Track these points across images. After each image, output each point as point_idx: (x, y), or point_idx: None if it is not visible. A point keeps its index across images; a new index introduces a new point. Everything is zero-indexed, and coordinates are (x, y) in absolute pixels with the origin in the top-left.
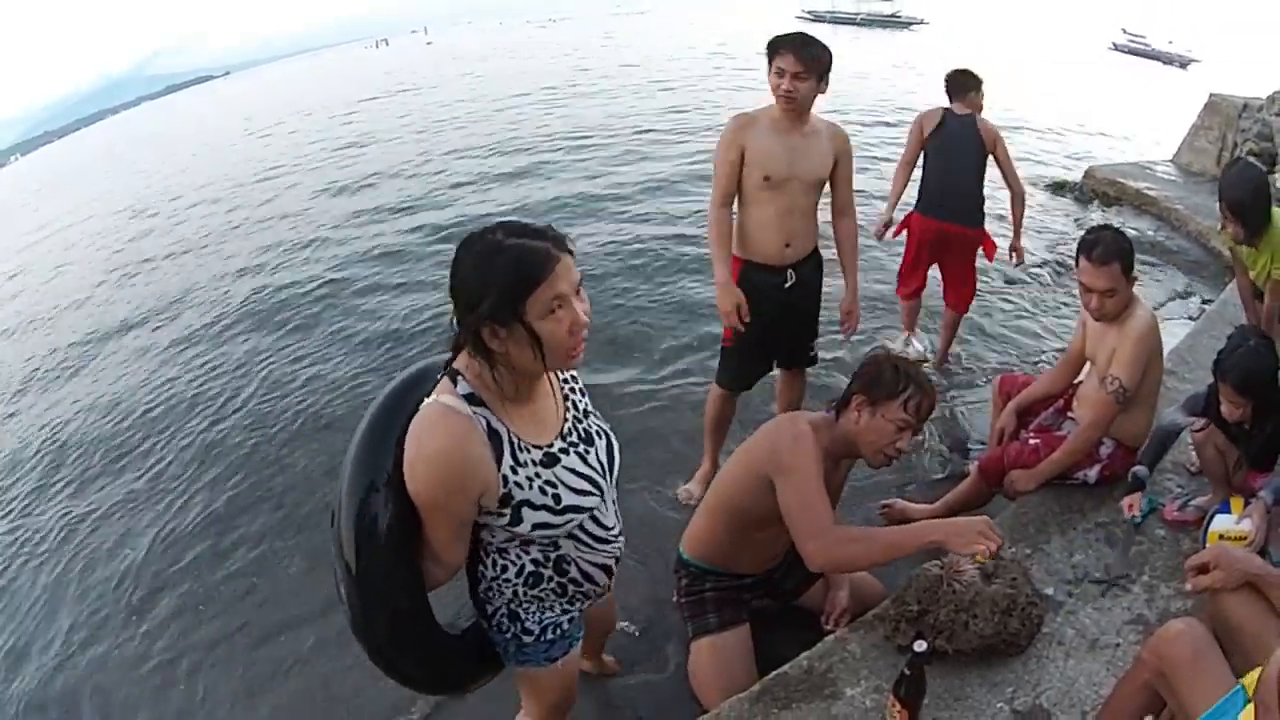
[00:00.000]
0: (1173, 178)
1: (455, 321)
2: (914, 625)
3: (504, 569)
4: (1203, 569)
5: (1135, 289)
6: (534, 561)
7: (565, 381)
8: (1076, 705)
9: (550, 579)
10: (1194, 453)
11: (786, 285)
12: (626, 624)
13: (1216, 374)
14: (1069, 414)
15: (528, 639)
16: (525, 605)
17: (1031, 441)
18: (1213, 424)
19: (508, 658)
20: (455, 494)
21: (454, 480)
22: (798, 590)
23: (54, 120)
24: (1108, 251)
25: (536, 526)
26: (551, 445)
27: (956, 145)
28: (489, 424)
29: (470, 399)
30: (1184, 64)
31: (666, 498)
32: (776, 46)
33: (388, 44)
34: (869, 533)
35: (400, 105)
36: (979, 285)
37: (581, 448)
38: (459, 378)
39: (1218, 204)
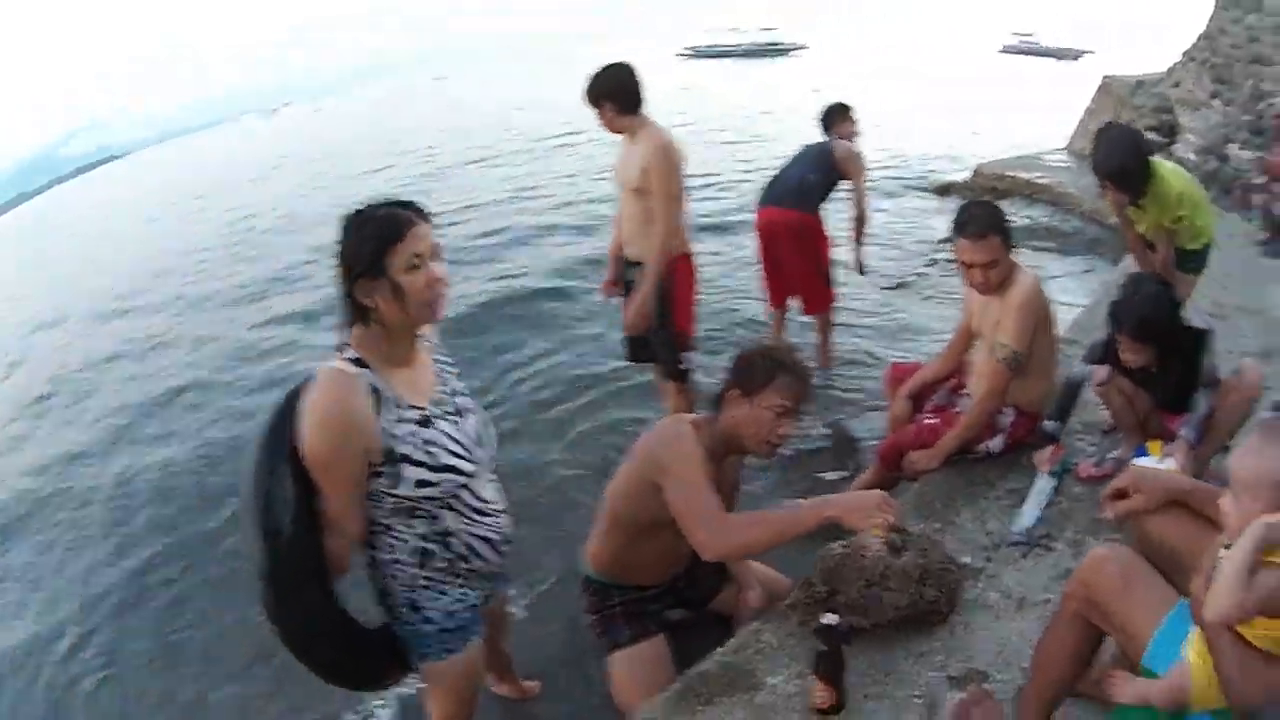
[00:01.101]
0: (1065, 164)
1: (340, 285)
2: (825, 607)
3: (394, 548)
4: (1121, 494)
5: (1035, 271)
6: (420, 536)
7: (439, 360)
8: (1014, 662)
9: (438, 554)
10: (1104, 412)
11: (629, 279)
12: (547, 646)
13: (1113, 323)
14: (963, 392)
15: (428, 628)
16: (422, 590)
17: (928, 421)
18: (1116, 371)
19: (412, 654)
20: (344, 447)
21: (342, 431)
22: (707, 598)
23: None
24: (981, 225)
25: (418, 484)
26: (426, 409)
27: (800, 154)
28: (371, 383)
29: (355, 362)
30: (1076, 56)
31: (577, 518)
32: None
33: (276, 111)
34: (761, 515)
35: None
36: (850, 288)
37: (455, 418)
38: (345, 347)
39: (1095, 174)
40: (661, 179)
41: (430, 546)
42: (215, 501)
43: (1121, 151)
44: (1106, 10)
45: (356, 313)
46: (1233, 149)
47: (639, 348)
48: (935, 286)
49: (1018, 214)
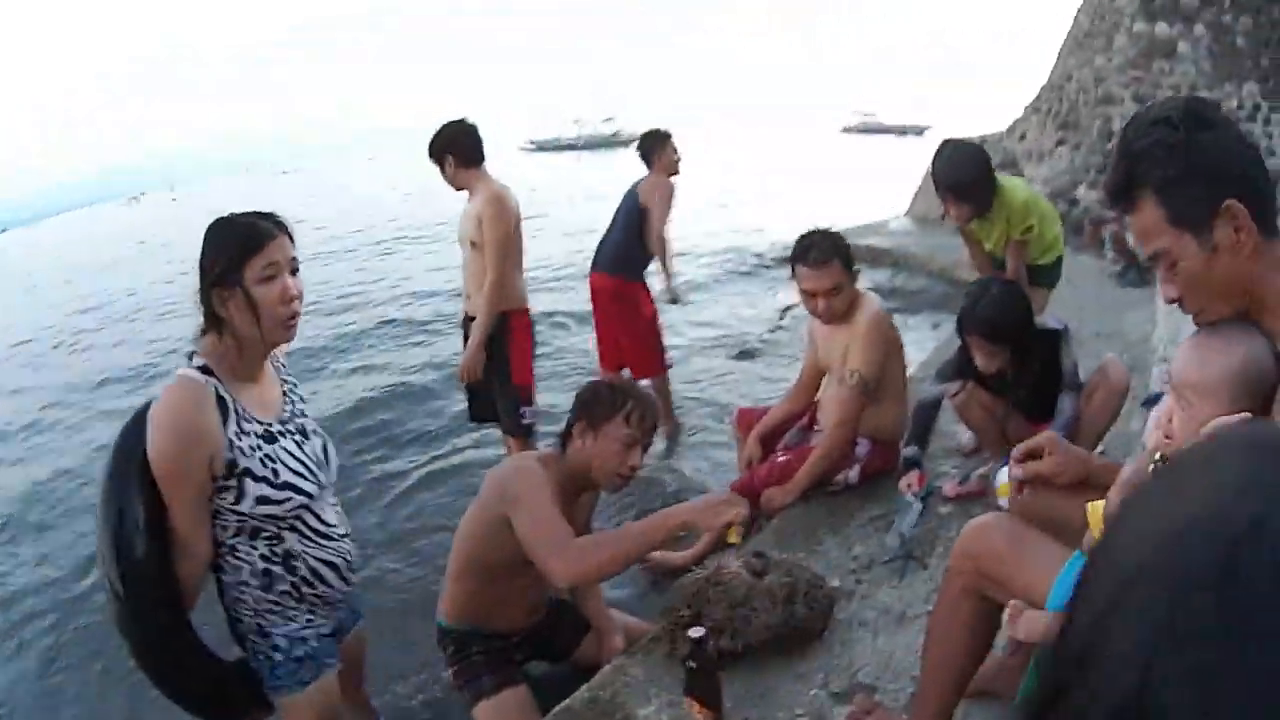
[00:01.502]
0: (907, 229)
1: (197, 292)
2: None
3: (239, 570)
4: (1034, 454)
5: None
6: (264, 558)
7: (286, 381)
8: (902, 673)
9: (283, 578)
10: (962, 433)
11: (467, 334)
12: (411, 702)
13: (963, 329)
14: (816, 428)
15: (278, 656)
16: (268, 616)
17: (781, 458)
18: (972, 382)
19: (266, 687)
20: (190, 452)
21: (187, 436)
22: (569, 647)
23: None
24: (823, 251)
25: (259, 501)
26: (271, 425)
27: (618, 207)
28: (218, 391)
29: (202, 370)
30: (919, 132)
31: (433, 570)
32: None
33: (138, 199)
34: (611, 533)
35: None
36: (696, 356)
37: (298, 437)
38: (194, 355)
39: (936, 191)
40: (491, 227)
41: (274, 569)
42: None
43: (961, 163)
44: (946, 87)
45: (211, 322)
46: (1081, 190)
47: (481, 406)
48: (781, 350)
49: (864, 278)
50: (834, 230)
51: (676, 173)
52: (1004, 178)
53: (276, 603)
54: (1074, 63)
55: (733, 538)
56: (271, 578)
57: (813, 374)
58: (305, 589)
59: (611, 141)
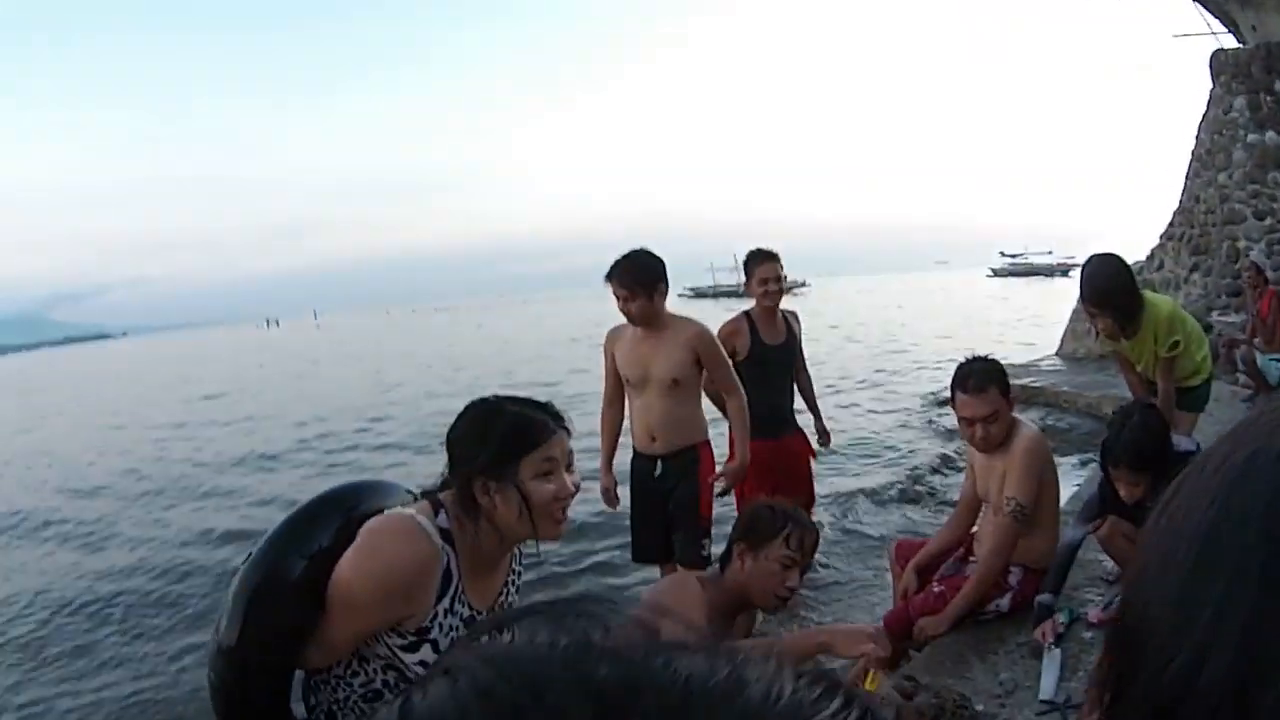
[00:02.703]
0: (1057, 368)
1: (448, 471)
2: None
3: (353, 674)
4: None
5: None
6: (384, 683)
7: (514, 570)
8: None
9: (386, 703)
10: (1107, 560)
11: (656, 474)
12: None
13: (1107, 461)
14: (971, 559)
15: None
16: (346, 713)
17: (936, 589)
18: (1113, 515)
19: None
20: (385, 605)
21: (394, 593)
22: None
23: None
24: (981, 379)
25: (422, 664)
26: (480, 612)
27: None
28: (449, 564)
29: (444, 534)
30: (1065, 271)
31: None
32: (608, 277)
33: (279, 324)
34: (753, 644)
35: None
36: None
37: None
38: (440, 510)
39: (1083, 307)
40: (717, 352)
41: (386, 694)
42: None
43: (1101, 274)
44: (1090, 219)
45: (465, 504)
46: (1215, 317)
47: (651, 544)
48: (937, 495)
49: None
50: (991, 358)
51: (765, 299)
52: (1151, 295)
53: (363, 711)
54: (1199, 183)
55: (870, 684)
56: (377, 699)
57: (971, 503)
58: None
59: None
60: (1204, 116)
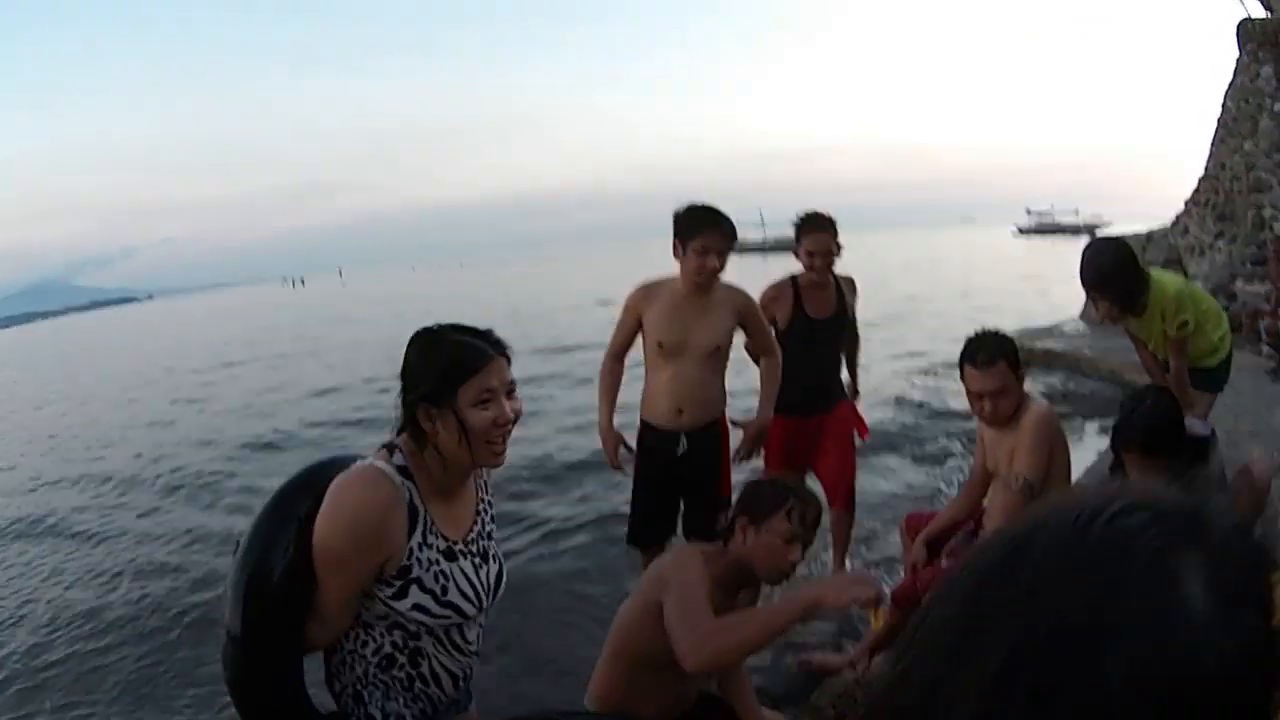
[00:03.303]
0: (1080, 331)
1: (400, 402)
2: None
3: (363, 644)
4: None
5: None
6: (393, 644)
7: (483, 500)
8: None
9: (402, 666)
10: None
11: (679, 452)
12: None
13: (1120, 444)
14: (980, 532)
15: None
16: (370, 689)
17: (945, 564)
18: None
19: None
20: (363, 552)
21: (366, 537)
22: None
23: None
24: (990, 352)
25: (416, 608)
26: (455, 544)
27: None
28: (412, 498)
29: (402, 471)
30: (1092, 231)
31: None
32: (697, 227)
33: (304, 283)
34: (740, 614)
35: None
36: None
37: (477, 560)
38: (396, 451)
39: (1083, 289)
40: (762, 320)
41: (399, 658)
42: None
43: (1099, 258)
44: (1123, 180)
45: (414, 434)
46: (1239, 285)
47: (657, 525)
48: (953, 458)
49: (1037, 381)
50: (1001, 331)
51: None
52: (1157, 272)
53: (384, 682)
54: (1225, 150)
55: (876, 622)
56: (392, 664)
57: (981, 477)
58: (419, 685)
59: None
60: (1230, 84)
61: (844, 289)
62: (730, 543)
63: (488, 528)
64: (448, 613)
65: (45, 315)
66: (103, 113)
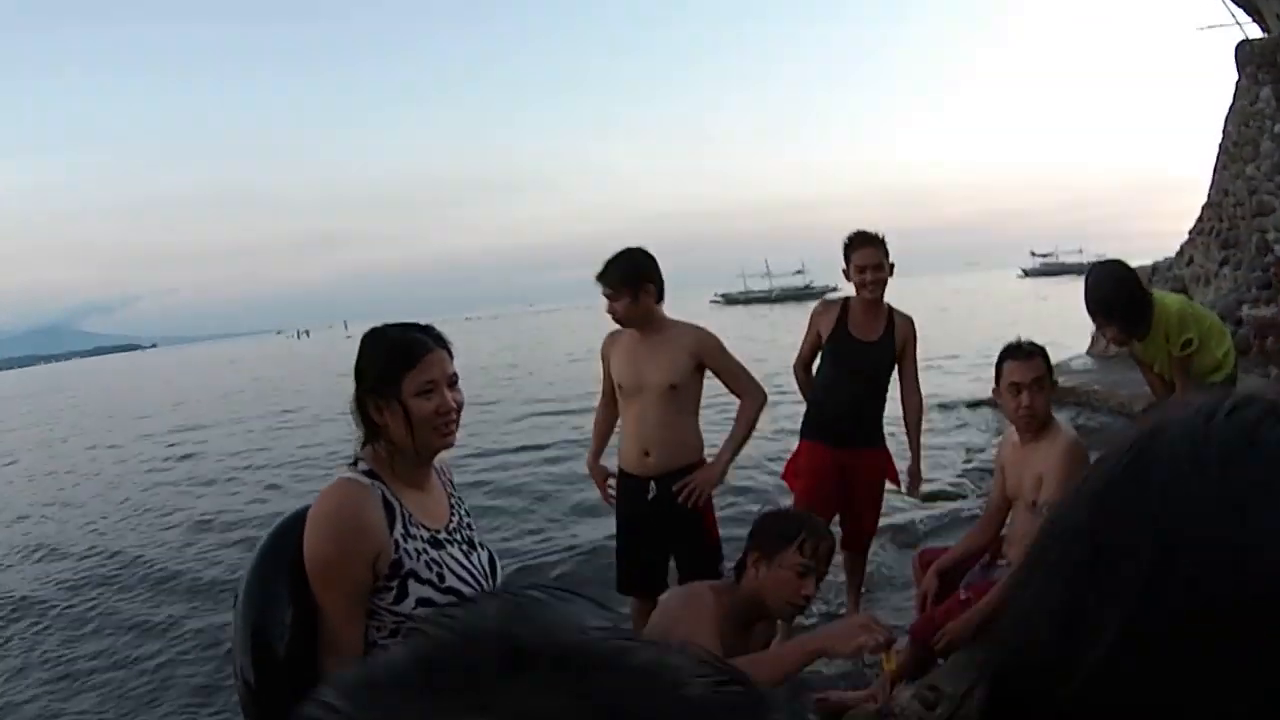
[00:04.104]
0: (1088, 367)
1: (353, 399)
2: None
3: None
4: None
5: None
6: None
7: (454, 495)
8: None
9: None
10: None
11: (650, 497)
12: None
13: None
14: (999, 562)
15: None
16: None
17: (962, 596)
18: None
19: None
20: (349, 554)
21: (349, 537)
22: None
23: None
24: (1031, 347)
25: (421, 603)
26: (439, 532)
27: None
28: (384, 495)
29: (368, 474)
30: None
31: None
32: (597, 277)
33: (309, 334)
34: (746, 660)
35: None
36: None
37: (465, 547)
38: (359, 461)
39: (1089, 315)
40: (724, 353)
41: None
42: None
43: (1103, 282)
44: (1124, 219)
45: (368, 428)
46: (1245, 310)
47: (643, 572)
48: (966, 499)
49: None
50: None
51: (864, 289)
52: (1159, 293)
53: None
54: (1227, 176)
55: (889, 664)
56: None
57: (1000, 507)
58: None
59: (802, 293)
60: (1230, 108)
61: (898, 321)
62: (742, 577)
63: (466, 519)
64: (453, 600)
65: (49, 359)
66: (110, 161)
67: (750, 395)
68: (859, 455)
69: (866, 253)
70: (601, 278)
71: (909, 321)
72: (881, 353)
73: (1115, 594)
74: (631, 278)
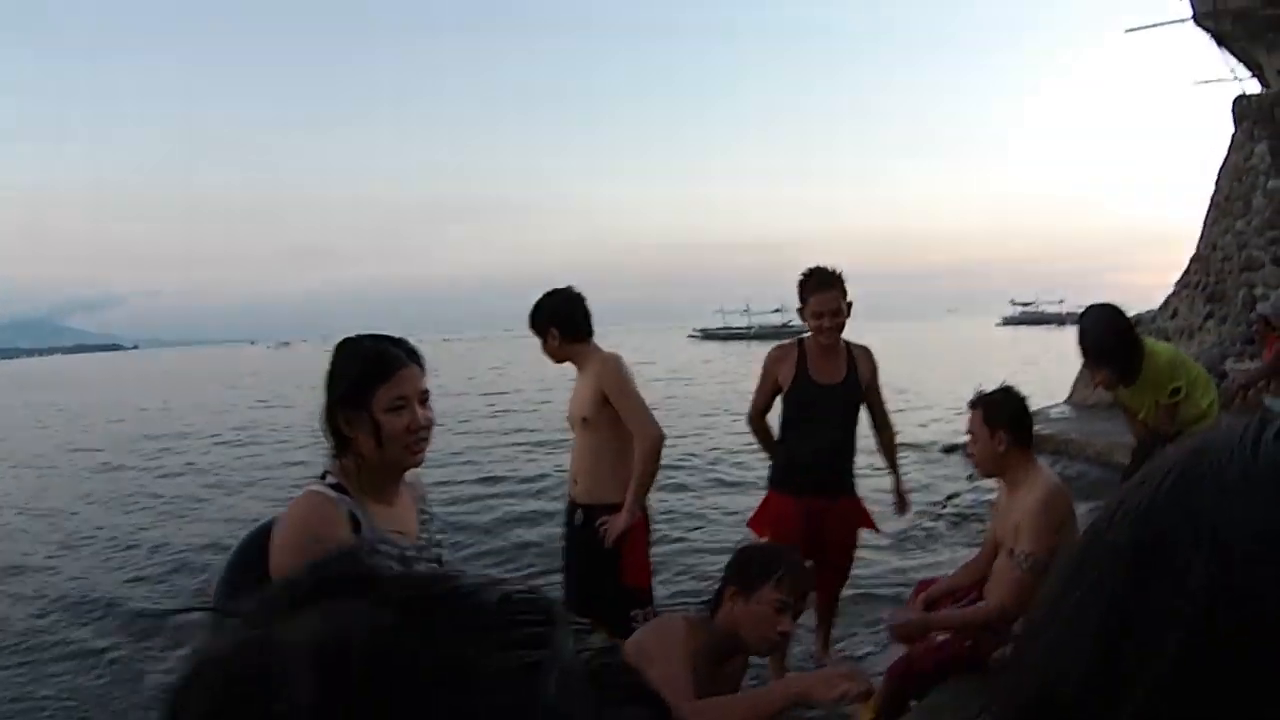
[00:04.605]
0: (1066, 415)
1: (322, 409)
2: None
3: None
4: None
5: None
6: None
7: (425, 512)
8: None
9: None
10: None
11: (576, 523)
12: None
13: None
14: (980, 603)
15: None
16: None
17: (939, 639)
18: None
19: None
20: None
21: (314, 551)
22: None
23: None
24: (974, 400)
25: None
26: (407, 550)
27: None
28: (350, 511)
29: (336, 488)
30: (1078, 319)
31: None
32: None
33: (287, 345)
34: (724, 700)
35: None
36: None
37: (435, 566)
38: (326, 475)
39: (1082, 357)
40: (622, 389)
41: None
42: None
43: (1101, 327)
44: (1107, 271)
45: (337, 441)
46: (1229, 364)
47: (577, 601)
48: (941, 539)
49: None
50: (1010, 392)
51: (821, 335)
52: (1150, 341)
53: None
54: (1217, 230)
55: (867, 715)
56: None
57: (992, 547)
58: None
59: (781, 331)
60: (1224, 163)
61: (857, 357)
62: (718, 611)
63: (436, 537)
64: None
65: (30, 353)
66: (99, 157)
67: (641, 432)
68: (830, 503)
69: (826, 297)
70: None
71: (867, 353)
72: (848, 393)
73: (1172, 613)
74: (536, 322)
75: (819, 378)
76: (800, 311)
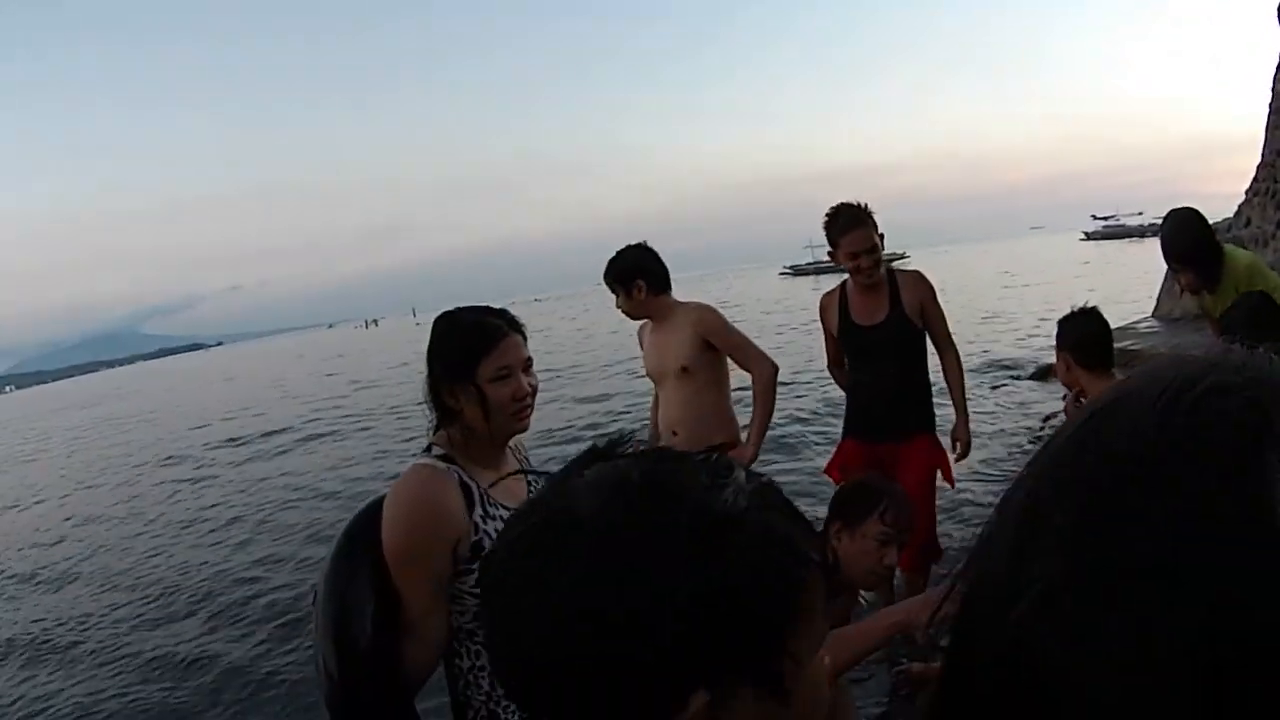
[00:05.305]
0: (1155, 329)
1: (426, 383)
2: None
3: (477, 656)
4: None
5: None
6: None
7: (530, 473)
8: None
9: None
10: None
11: None
12: None
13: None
14: None
15: None
16: (505, 704)
17: None
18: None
19: None
20: (429, 539)
21: (427, 523)
22: None
23: (47, 361)
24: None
25: None
26: None
27: None
28: (461, 478)
29: (444, 458)
30: (1158, 231)
31: None
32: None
33: (378, 324)
34: (834, 634)
35: None
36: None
37: None
38: (433, 447)
39: (1166, 262)
40: (728, 331)
41: None
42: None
43: (1179, 229)
44: (1180, 178)
45: (442, 413)
46: None
47: None
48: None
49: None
50: (1092, 314)
51: (858, 275)
52: (1230, 247)
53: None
54: (1279, 135)
55: None
56: None
57: None
58: None
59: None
60: (1279, 66)
61: (902, 288)
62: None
63: None
64: None
65: (111, 364)
66: (165, 163)
67: (757, 367)
68: (897, 446)
69: (857, 236)
70: (604, 278)
71: (915, 279)
72: (897, 330)
73: (1046, 547)
74: (620, 277)
75: (861, 319)
76: (831, 255)
